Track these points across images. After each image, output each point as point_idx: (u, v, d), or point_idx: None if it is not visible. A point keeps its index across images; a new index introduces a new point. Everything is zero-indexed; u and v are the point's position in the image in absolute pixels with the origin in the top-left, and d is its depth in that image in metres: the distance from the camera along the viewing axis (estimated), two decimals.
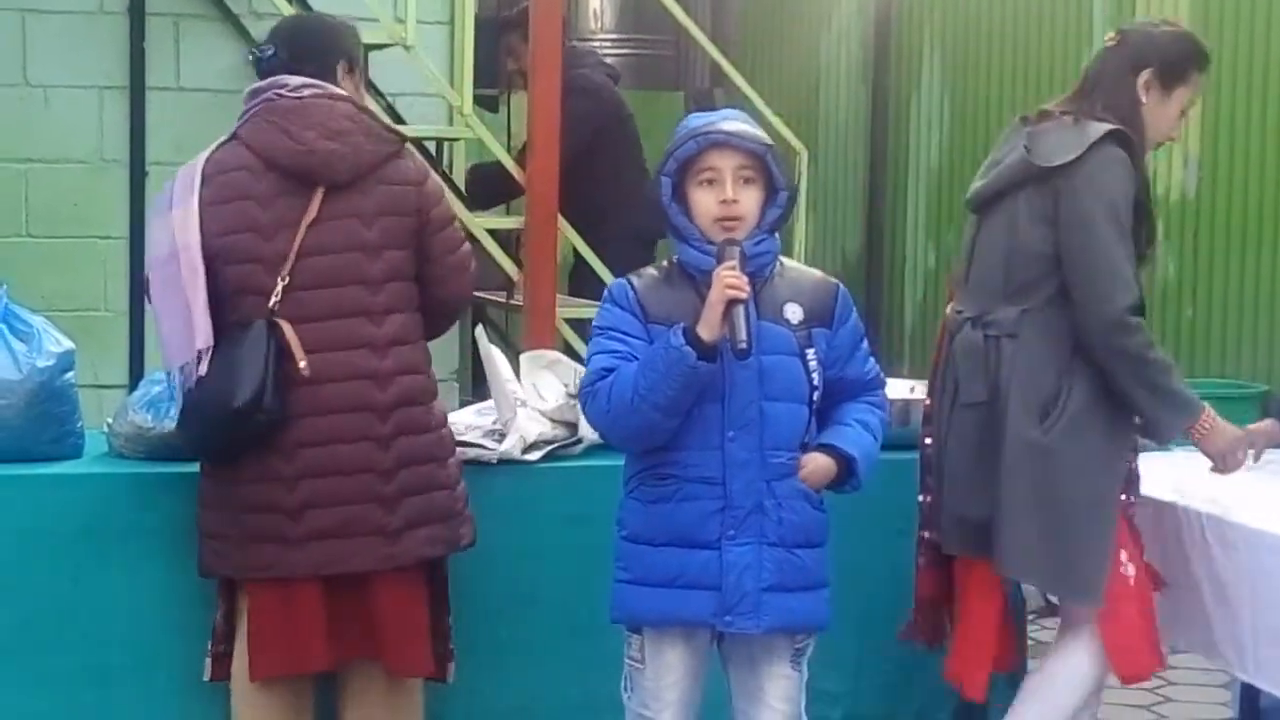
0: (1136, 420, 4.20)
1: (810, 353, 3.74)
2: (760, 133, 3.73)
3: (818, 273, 3.88)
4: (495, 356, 4.55)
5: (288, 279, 3.97)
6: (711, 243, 3.69)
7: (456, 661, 4.24)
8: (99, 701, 4.20)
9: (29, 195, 7.81)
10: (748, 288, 3.61)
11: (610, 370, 3.68)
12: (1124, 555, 4.18)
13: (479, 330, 4.69)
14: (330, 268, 4.00)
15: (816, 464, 3.75)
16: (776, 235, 3.78)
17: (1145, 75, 4.24)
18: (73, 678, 4.17)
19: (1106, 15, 8.29)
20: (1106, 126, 4.13)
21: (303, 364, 3.95)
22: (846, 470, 3.78)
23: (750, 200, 3.71)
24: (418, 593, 4.08)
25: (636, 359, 3.66)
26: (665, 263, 3.84)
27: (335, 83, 4.14)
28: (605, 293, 3.82)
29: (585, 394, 3.72)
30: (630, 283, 3.79)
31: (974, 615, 4.28)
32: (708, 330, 3.59)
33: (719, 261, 3.64)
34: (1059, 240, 4.12)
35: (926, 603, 4.40)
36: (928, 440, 4.37)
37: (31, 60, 7.86)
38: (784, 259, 3.84)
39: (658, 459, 3.72)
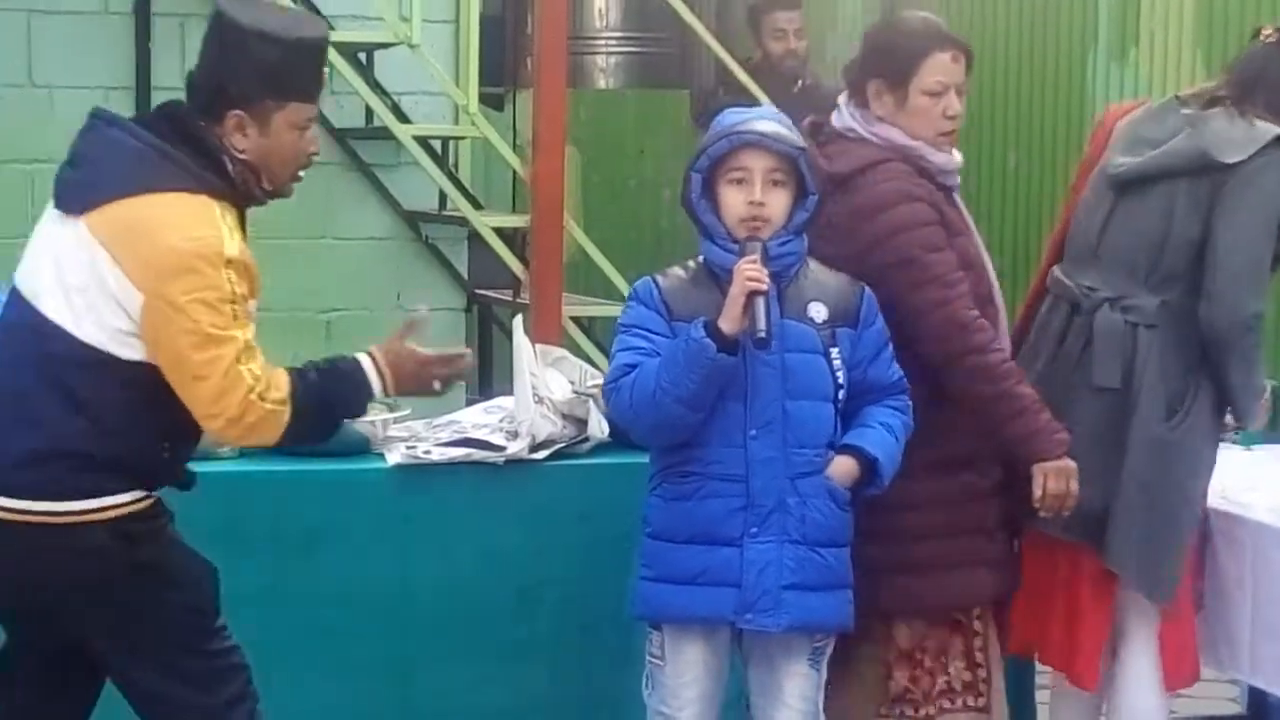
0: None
1: (834, 352, 3.75)
2: (794, 135, 3.73)
3: (844, 275, 3.87)
4: (525, 350, 4.51)
5: None
6: (736, 241, 3.70)
7: (462, 660, 4.24)
8: (104, 693, 4.20)
9: (35, 196, 7.81)
10: (768, 280, 3.61)
11: (634, 366, 3.70)
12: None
13: (517, 320, 4.67)
14: None
15: (839, 466, 3.76)
16: (804, 236, 3.78)
17: None
18: None
19: (1111, 15, 8.28)
20: (1277, 130, 4.10)
21: None
22: (870, 472, 3.78)
23: (778, 203, 3.71)
24: None
25: (660, 356, 3.67)
26: (691, 262, 3.84)
27: (865, 103, 4.04)
28: (631, 291, 3.85)
29: (609, 390, 3.76)
30: (655, 281, 3.81)
31: (1087, 606, 4.20)
32: (728, 323, 3.61)
33: (740, 257, 3.65)
34: (1209, 234, 4.09)
35: None
36: None
37: (37, 61, 7.88)
38: (811, 260, 3.84)
39: (681, 456, 3.73)
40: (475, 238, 7.96)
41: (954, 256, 3.95)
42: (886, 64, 4.02)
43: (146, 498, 3.50)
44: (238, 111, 3.52)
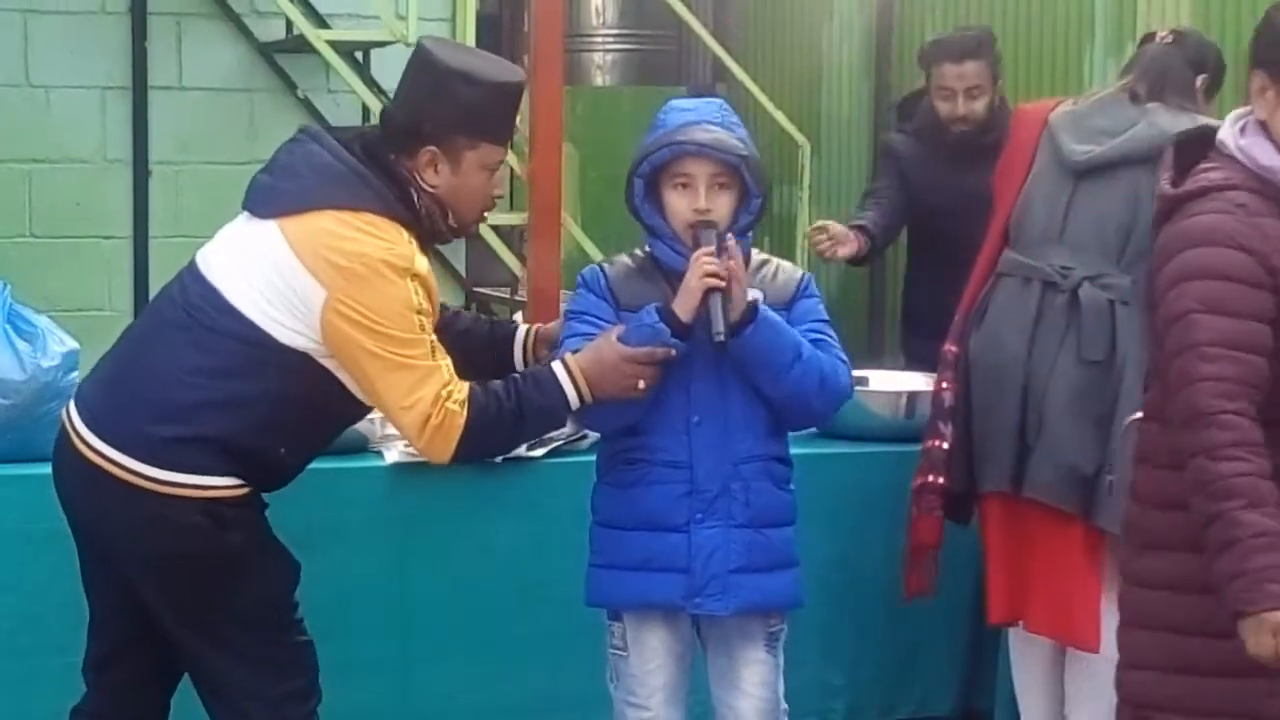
0: None
1: None
2: (736, 140, 3.69)
3: (789, 265, 3.87)
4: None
5: None
6: (684, 244, 3.69)
7: (462, 658, 4.24)
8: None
9: (32, 196, 7.82)
10: (725, 274, 3.61)
11: None
12: None
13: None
14: None
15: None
16: (749, 236, 3.78)
17: (1201, 80, 4.35)
18: (77, 677, 4.17)
19: (1108, 12, 8.28)
20: (1216, 122, 4.18)
21: None
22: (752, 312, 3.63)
23: (723, 206, 3.71)
24: None
25: None
26: (638, 251, 3.84)
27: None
28: (579, 278, 3.83)
29: None
30: (603, 269, 3.81)
31: (1081, 570, 4.23)
32: (685, 312, 3.62)
33: (695, 246, 3.65)
34: None
35: (924, 550, 4.37)
36: (944, 385, 4.36)
37: (34, 61, 7.88)
38: (757, 252, 3.83)
39: (626, 444, 3.75)
40: (472, 235, 7.96)
41: (1248, 328, 3.15)
42: (1269, 51, 3.40)
43: (242, 486, 3.56)
44: (431, 148, 3.62)
